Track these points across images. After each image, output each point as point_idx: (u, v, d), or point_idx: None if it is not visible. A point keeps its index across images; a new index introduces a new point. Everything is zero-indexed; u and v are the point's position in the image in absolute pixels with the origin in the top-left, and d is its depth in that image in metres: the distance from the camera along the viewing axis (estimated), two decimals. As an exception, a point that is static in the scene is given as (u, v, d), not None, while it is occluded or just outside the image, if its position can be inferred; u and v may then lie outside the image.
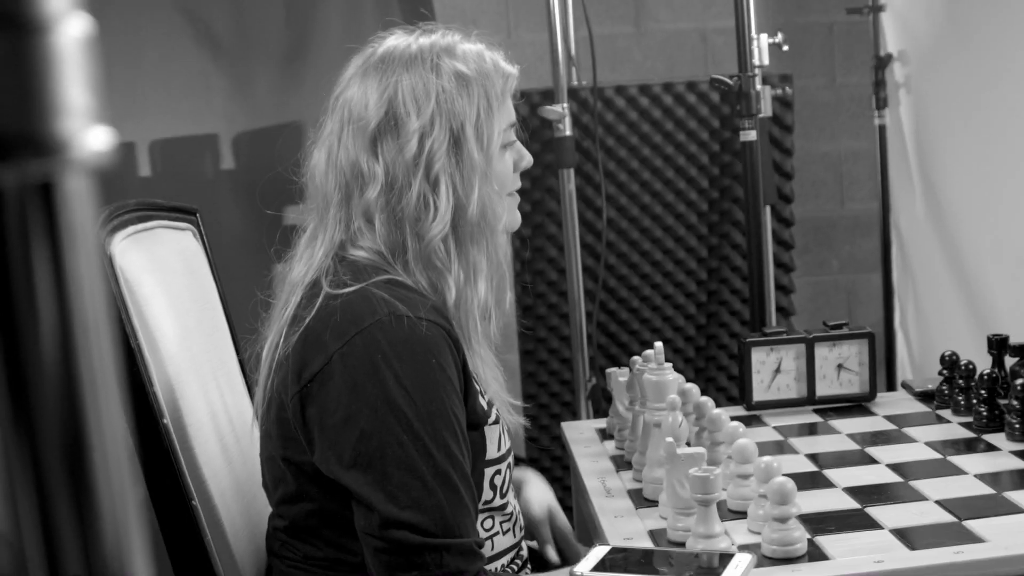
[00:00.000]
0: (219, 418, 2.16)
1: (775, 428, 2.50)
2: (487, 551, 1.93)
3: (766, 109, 3.27)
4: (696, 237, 3.82)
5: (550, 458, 3.86)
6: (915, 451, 2.29)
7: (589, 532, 2.26)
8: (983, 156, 3.30)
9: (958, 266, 3.50)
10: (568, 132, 3.43)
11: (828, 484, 2.13)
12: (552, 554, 2.23)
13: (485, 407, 1.92)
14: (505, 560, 2.00)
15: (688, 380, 2.36)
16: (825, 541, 1.84)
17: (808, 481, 2.13)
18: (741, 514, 1.97)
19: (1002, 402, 2.37)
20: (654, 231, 3.79)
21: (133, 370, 1.91)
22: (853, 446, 2.35)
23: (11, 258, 0.52)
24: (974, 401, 2.41)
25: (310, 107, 3.40)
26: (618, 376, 2.49)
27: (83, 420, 0.54)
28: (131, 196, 2.21)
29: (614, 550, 1.79)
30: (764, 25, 3.28)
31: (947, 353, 2.56)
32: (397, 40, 1.96)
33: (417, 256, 1.87)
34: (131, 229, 2.08)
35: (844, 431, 2.45)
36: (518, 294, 3.69)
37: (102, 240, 1.95)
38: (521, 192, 2.06)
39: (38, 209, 0.52)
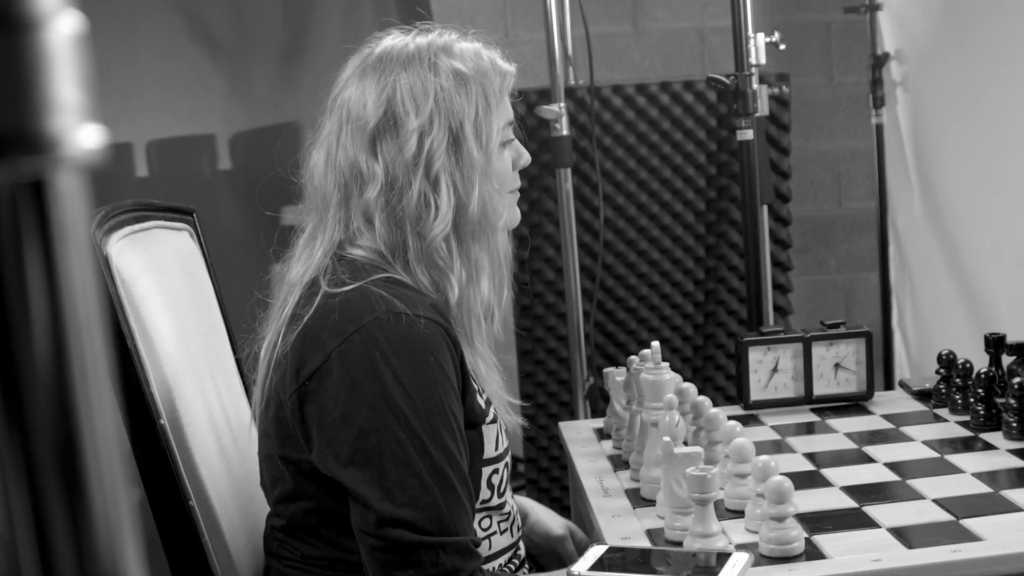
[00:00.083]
0: (216, 418, 2.16)
1: (772, 427, 2.50)
2: (485, 551, 1.93)
3: (763, 108, 3.27)
4: (693, 236, 3.82)
5: (548, 458, 3.87)
6: (912, 450, 2.29)
7: (587, 531, 2.26)
8: (980, 154, 3.30)
9: (956, 265, 3.51)
10: (565, 131, 3.43)
11: (825, 483, 2.13)
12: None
13: (483, 406, 1.92)
14: (503, 560, 2.00)
15: (686, 379, 2.36)
16: (822, 540, 1.84)
17: (805, 480, 2.13)
18: (738, 513, 1.97)
19: (999, 401, 2.37)
20: (651, 230, 3.79)
21: (130, 370, 1.91)
22: (850, 445, 2.35)
23: (2, 256, 0.52)
24: (971, 400, 2.41)
25: (308, 107, 3.39)
26: (615, 376, 2.49)
27: (76, 420, 0.54)
28: (128, 196, 2.21)
29: (611, 549, 1.79)
30: (761, 24, 3.28)
31: (944, 352, 2.56)
32: (394, 40, 1.96)
33: (419, 255, 1.87)
34: (128, 229, 2.07)
35: (841, 430, 2.45)
36: (516, 294, 3.69)
37: (98, 240, 1.94)
38: (519, 190, 2.06)
39: (30, 207, 0.52)
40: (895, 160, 4.03)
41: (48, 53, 0.52)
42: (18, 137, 0.51)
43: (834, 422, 2.51)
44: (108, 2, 3.71)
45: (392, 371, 1.74)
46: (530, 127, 3.56)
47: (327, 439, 1.78)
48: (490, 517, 1.97)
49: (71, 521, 0.54)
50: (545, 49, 3.48)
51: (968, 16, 3.34)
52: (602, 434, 2.57)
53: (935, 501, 1.98)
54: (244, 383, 2.35)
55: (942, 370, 2.55)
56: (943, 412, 2.52)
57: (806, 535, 1.84)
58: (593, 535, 2.08)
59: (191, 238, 2.35)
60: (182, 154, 3.95)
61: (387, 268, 1.87)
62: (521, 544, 2.09)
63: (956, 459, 2.20)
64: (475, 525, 1.90)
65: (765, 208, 3.39)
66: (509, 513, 2.03)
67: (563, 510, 3.73)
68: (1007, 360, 2.45)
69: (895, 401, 2.64)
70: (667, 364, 2.16)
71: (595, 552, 1.77)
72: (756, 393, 2.61)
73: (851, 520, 1.93)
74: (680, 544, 1.85)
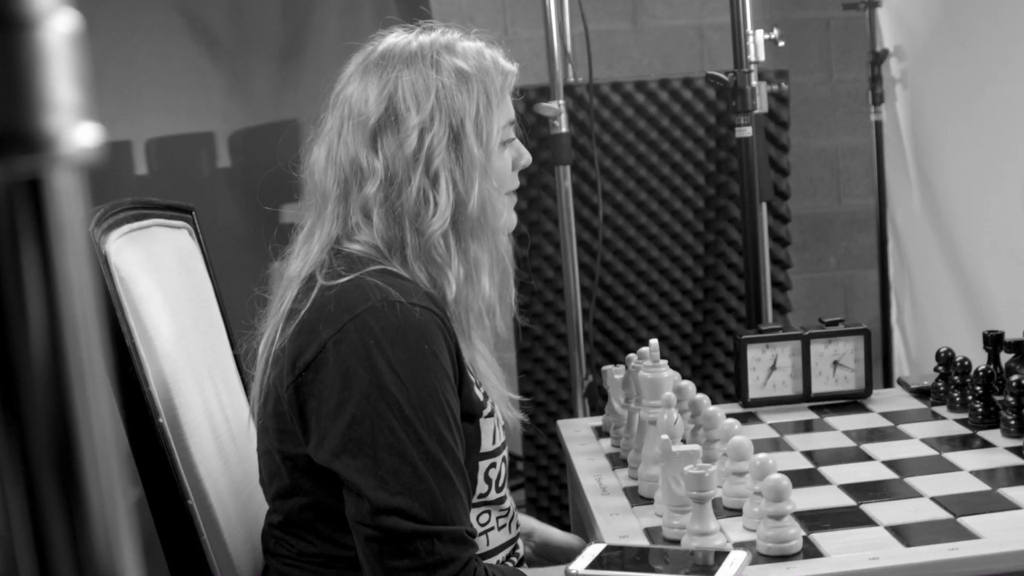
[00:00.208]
0: (215, 417, 2.16)
1: (771, 425, 2.50)
2: (483, 546, 1.93)
3: (762, 105, 3.27)
4: (692, 234, 3.82)
5: (546, 456, 3.86)
6: (911, 448, 2.29)
7: (585, 530, 2.26)
8: (979, 151, 3.30)
9: (955, 262, 3.51)
10: (564, 129, 3.43)
11: (823, 481, 2.13)
12: None
13: (481, 398, 1.92)
14: (500, 556, 2.00)
15: (684, 377, 2.36)
16: (820, 538, 1.84)
17: (803, 478, 2.13)
18: (736, 511, 1.97)
19: (997, 398, 2.37)
20: (650, 228, 3.79)
21: (128, 369, 1.91)
22: (849, 443, 2.35)
23: (0, 255, 0.52)
24: (969, 398, 2.41)
25: (307, 105, 3.39)
26: (614, 373, 2.49)
27: (73, 419, 0.54)
28: (127, 194, 2.21)
29: (609, 548, 1.79)
30: (760, 21, 3.28)
31: (942, 349, 2.56)
32: (397, 38, 1.96)
33: (417, 251, 1.88)
34: (126, 228, 2.07)
35: (840, 428, 2.45)
36: (516, 292, 3.69)
37: (97, 238, 1.94)
38: (517, 189, 2.06)
39: (26, 206, 0.52)
40: (894, 157, 4.03)
41: (45, 52, 0.52)
42: (15, 136, 0.51)
43: (832, 420, 2.51)
44: (106, 1, 3.71)
45: (386, 359, 1.74)
46: (529, 124, 3.56)
47: (322, 429, 1.78)
48: (488, 512, 1.98)
49: (68, 521, 0.54)
50: (544, 46, 3.48)
51: (967, 13, 3.34)
52: (601, 432, 2.57)
53: (933, 499, 1.98)
54: (243, 381, 2.35)
55: (940, 368, 2.55)
56: (941, 410, 2.52)
57: (804, 533, 1.84)
58: (591, 533, 2.08)
59: (190, 236, 2.35)
60: (181, 152, 3.95)
61: (383, 263, 1.87)
62: (520, 543, 2.09)
63: (954, 457, 2.21)
64: (473, 520, 1.91)
65: (764, 205, 3.40)
66: (508, 509, 2.03)
67: (561, 508, 3.74)
68: (1005, 357, 2.45)
69: (893, 399, 2.64)
70: (665, 362, 2.17)
71: (593, 550, 1.77)
72: (754, 391, 2.61)
73: (849, 518, 1.93)
74: (678, 542, 1.85)
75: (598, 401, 3.42)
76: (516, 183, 2.04)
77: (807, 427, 2.49)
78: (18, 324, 0.52)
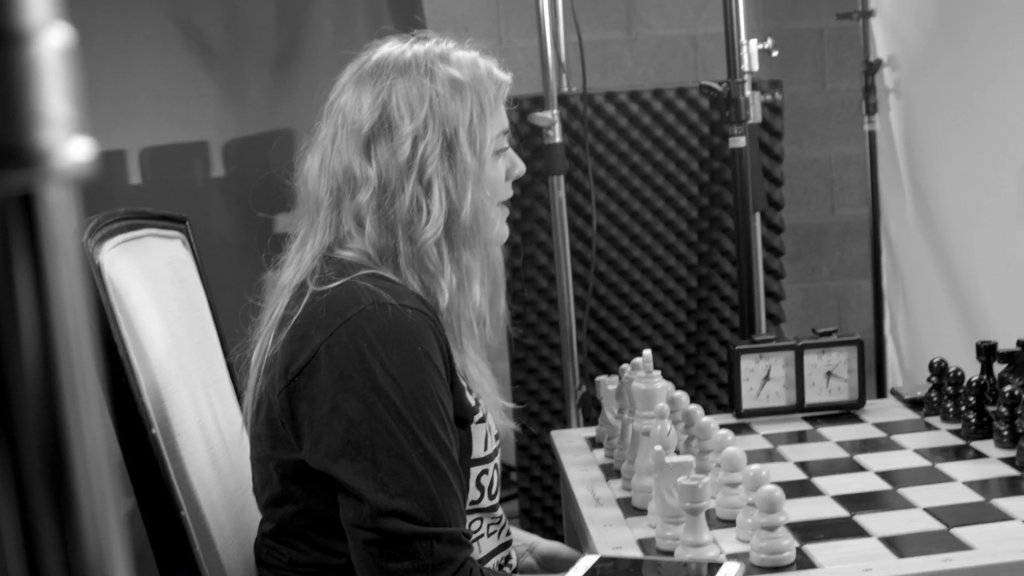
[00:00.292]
0: (208, 428, 2.16)
1: (764, 436, 2.50)
2: (473, 554, 1.93)
3: (756, 115, 3.27)
4: (686, 244, 3.82)
5: (540, 466, 3.86)
6: (904, 458, 2.29)
7: (578, 541, 2.26)
8: (973, 162, 3.31)
9: (948, 272, 3.51)
10: (558, 139, 3.43)
11: (817, 492, 2.13)
12: None
13: (473, 403, 1.92)
14: (492, 564, 2.00)
15: (678, 387, 2.36)
16: (814, 549, 1.84)
17: (797, 489, 2.13)
18: (730, 522, 1.97)
19: (990, 409, 2.37)
20: (644, 238, 3.79)
21: (121, 379, 1.91)
22: (842, 454, 2.35)
23: (-9, 270, 0.52)
24: (963, 408, 2.41)
25: (301, 114, 3.39)
26: (607, 384, 2.49)
27: (64, 432, 0.54)
28: (121, 204, 2.21)
29: (603, 559, 1.79)
30: (754, 31, 3.29)
31: (936, 360, 2.56)
32: (391, 47, 1.97)
33: (410, 259, 1.88)
34: (120, 238, 2.07)
35: (833, 439, 2.45)
36: (508, 301, 3.68)
37: (91, 249, 1.94)
38: (511, 199, 2.06)
39: (19, 220, 0.52)
40: (888, 167, 4.03)
41: (37, 66, 0.52)
42: (8, 150, 0.51)
43: (826, 430, 2.51)
44: (101, 9, 3.71)
45: (380, 361, 1.75)
46: (523, 134, 3.57)
47: (317, 433, 1.78)
48: (481, 520, 1.98)
49: (60, 532, 0.54)
50: (538, 56, 3.48)
51: (961, 23, 3.35)
52: (594, 443, 2.57)
53: (926, 510, 1.98)
54: (236, 391, 2.35)
55: (934, 378, 2.55)
56: (935, 420, 2.52)
57: (797, 544, 1.84)
58: (585, 545, 2.08)
59: (184, 246, 2.35)
60: (175, 161, 3.95)
61: (375, 268, 1.88)
62: (513, 553, 2.09)
63: (947, 468, 2.21)
64: (465, 526, 1.91)
65: (758, 215, 3.40)
66: (500, 517, 2.03)
67: (555, 519, 3.74)
68: (998, 368, 2.45)
69: (887, 409, 2.64)
70: (659, 373, 2.17)
71: (586, 562, 1.77)
72: (748, 402, 2.61)
73: (842, 529, 1.93)
74: (671, 554, 1.85)
75: (592, 412, 3.42)
76: (509, 193, 2.04)
77: (800, 438, 2.49)
78: (10, 338, 0.52)
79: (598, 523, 2.08)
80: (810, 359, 2.61)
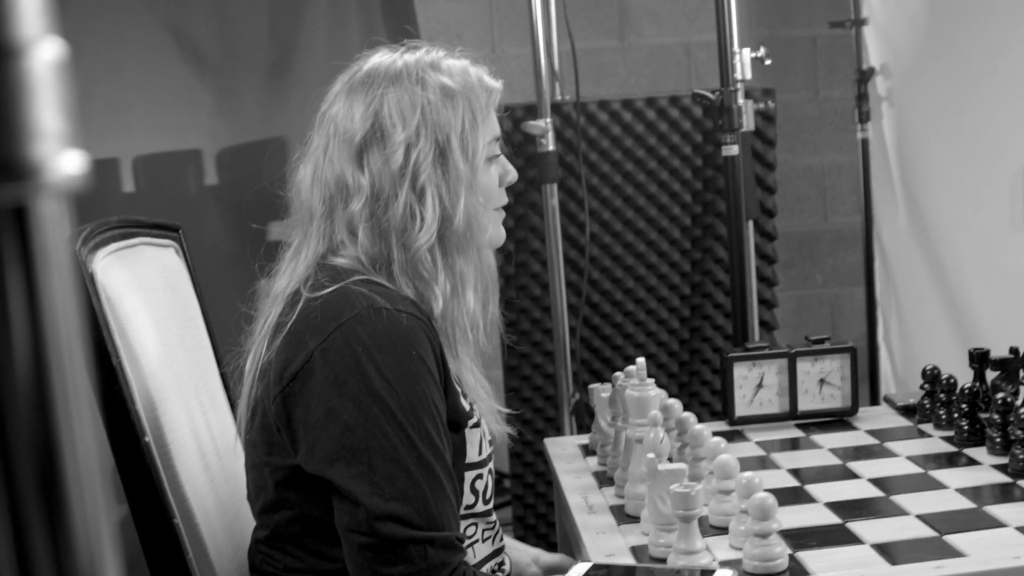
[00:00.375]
0: (201, 436, 2.16)
1: (757, 443, 2.51)
2: (467, 559, 1.93)
3: (748, 123, 3.28)
4: (679, 251, 3.82)
5: (533, 473, 3.86)
6: (897, 466, 2.30)
7: (571, 548, 2.26)
8: (965, 169, 3.31)
9: (941, 279, 3.51)
10: (551, 147, 3.43)
11: (810, 499, 2.13)
12: None
13: (467, 408, 1.93)
14: (486, 569, 2.00)
15: (672, 394, 2.37)
16: (806, 556, 1.85)
17: (790, 496, 2.14)
18: (723, 530, 1.98)
19: (983, 416, 2.38)
20: (637, 246, 3.80)
21: (114, 388, 1.91)
22: (835, 461, 2.36)
23: (-16, 283, 0.52)
24: (955, 415, 2.42)
25: (294, 123, 3.40)
26: (600, 392, 2.49)
27: (57, 444, 0.54)
28: (114, 212, 2.21)
29: (596, 566, 1.80)
30: (747, 39, 3.29)
31: (928, 367, 2.56)
32: (382, 57, 1.97)
33: (404, 266, 1.88)
34: (113, 246, 2.07)
35: (826, 446, 2.45)
36: (501, 309, 3.69)
37: (84, 257, 1.95)
38: (504, 207, 2.07)
39: (11, 234, 0.52)
40: (880, 175, 4.04)
41: (30, 80, 0.52)
42: (0, 164, 0.51)
43: (819, 438, 2.51)
44: (95, 18, 3.72)
45: (375, 365, 1.75)
46: (516, 143, 3.57)
47: (313, 437, 1.78)
48: (475, 525, 1.98)
49: (52, 539, 0.54)
50: (531, 64, 3.48)
51: (953, 31, 3.36)
52: (587, 450, 2.57)
53: (919, 517, 1.99)
54: (229, 399, 2.35)
55: (926, 385, 2.56)
56: (927, 427, 2.52)
57: (790, 551, 1.84)
58: (578, 552, 2.08)
59: (177, 255, 2.35)
60: (169, 169, 3.96)
61: (368, 275, 1.88)
62: (507, 560, 2.09)
63: (940, 475, 2.21)
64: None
65: (751, 223, 3.40)
66: (494, 523, 2.03)
67: (548, 526, 3.74)
68: (991, 375, 2.46)
69: (880, 416, 2.65)
70: (652, 380, 2.17)
71: (579, 569, 1.78)
72: (741, 409, 2.61)
73: (835, 536, 1.93)
74: (664, 561, 1.85)
75: (585, 419, 3.42)
76: (504, 199, 2.05)
77: (793, 445, 2.49)
78: (3, 351, 0.53)
79: (591, 530, 2.08)
80: (803, 366, 2.61)
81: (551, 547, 2.41)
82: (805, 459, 2.38)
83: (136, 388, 1.96)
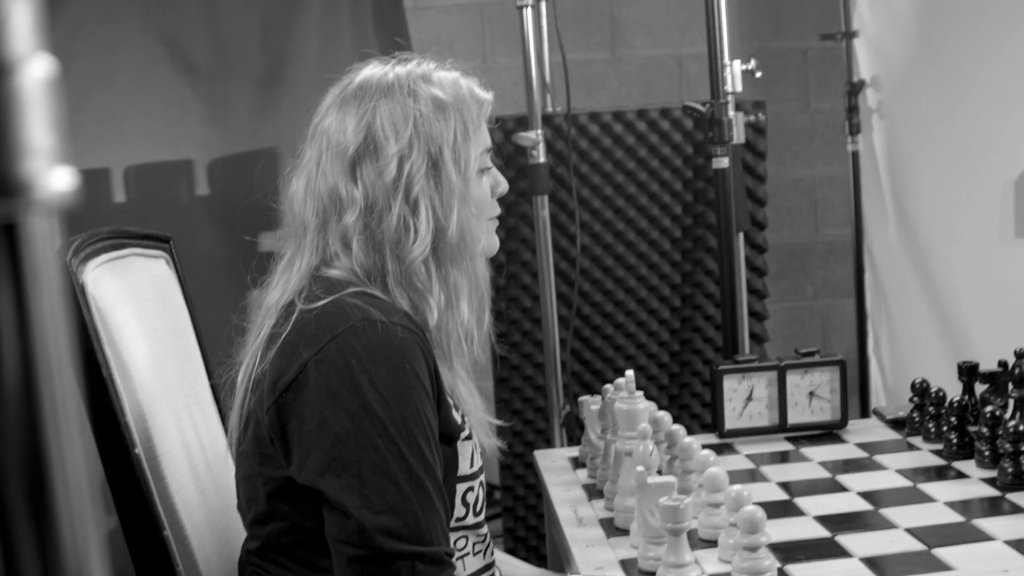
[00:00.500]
0: (191, 447, 2.16)
1: (747, 456, 2.51)
2: (459, 572, 1.93)
3: (739, 136, 3.28)
4: (669, 264, 3.83)
5: (524, 485, 3.86)
6: (886, 479, 2.30)
7: (560, 561, 2.26)
8: (956, 181, 3.32)
9: (931, 292, 3.52)
10: (542, 159, 3.44)
11: (799, 512, 2.13)
12: None
13: (459, 421, 1.93)
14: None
15: (661, 407, 2.37)
16: (795, 570, 1.85)
17: (779, 510, 2.14)
18: (712, 543, 1.98)
19: (972, 429, 2.38)
20: (627, 258, 3.80)
21: (104, 399, 1.91)
22: (824, 474, 2.36)
23: (-26, 299, 0.52)
24: (944, 428, 2.42)
25: (286, 133, 3.40)
26: (590, 404, 2.49)
27: (45, 457, 0.54)
28: (105, 222, 2.21)
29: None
30: (738, 51, 3.29)
31: (917, 380, 2.57)
32: (373, 70, 1.98)
33: (398, 278, 1.89)
34: (104, 257, 2.07)
35: (815, 459, 2.46)
36: (492, 318, 3.69)
37: (74, 268, 1.94)
38: (497, 219, 2.07)
39: (1, 250, 0.52)
40: (871, 187, 4.05)
41: (20, 98, 0.52)
42: (-10, 181, 0.52)
43: (808, 451, 2.52)
44: (87, 28, 3.71)
45: (369, 378, 1.75)
46: (507, 154, 3.57)
47: (306, 448, 1.78)
48: (466, 537, 1.98)
49: (40, 551, 0.54)
50: (523, 76, 3.49)
51: (944, 44, 3.37)
52: (577, 463, 2.58)
53: (907, 530, 1.99)
54: (220, 411, 2.35)
55: (916, 398, 2.56)
56: (916, 440, 2.53)
57: (779, 565, 1.85)
58: (567, 565, 2.08)
59: (167, 266, 2.35)
60: (160, 180, 3.95)
61: (363, 287, 1.88)
62: (498, 574, 2.09)
63: (929, 488, 2.21)
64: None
65: (741, 235, 3.41)
66: (485, 536, 2.03)
67: (538, 538, 3.73)
68: (980, 388, 2.46)
69: (869, 429, 2.65)
70: (641, 393, 2.17)
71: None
72: (731, 421, 2.61)
73: (824, 550, 1.93)
74: (653, 574, 1.85)
75: (575, 431, 3.42)
76: (497, 209, 2.06)
77: (783, 458, 2.50)
78: (-8, 366, 0.53)
79: (580, 543, 2.08)
80: (793, 379, 2.62)
81: (541, 560, 2.40)
82: (794, 472, 2.39)
83: (126, 399, 1.96)
